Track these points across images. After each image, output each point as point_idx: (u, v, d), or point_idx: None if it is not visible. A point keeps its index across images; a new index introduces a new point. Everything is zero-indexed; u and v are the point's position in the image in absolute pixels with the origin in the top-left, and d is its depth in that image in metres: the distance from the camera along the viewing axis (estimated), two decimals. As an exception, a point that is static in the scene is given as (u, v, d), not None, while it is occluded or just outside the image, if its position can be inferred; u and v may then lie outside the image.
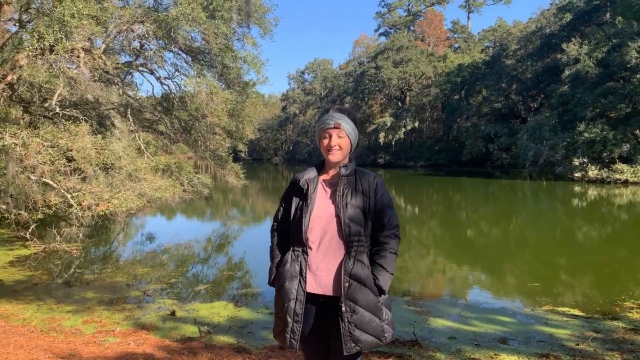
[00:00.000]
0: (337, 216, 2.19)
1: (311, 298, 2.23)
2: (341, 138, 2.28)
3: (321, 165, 2.40)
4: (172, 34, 11.16)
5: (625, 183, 24.85)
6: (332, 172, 2.35)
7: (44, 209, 9.73)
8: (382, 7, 62.47)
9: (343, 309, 2.13)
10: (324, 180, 2.34)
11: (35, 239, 9.86)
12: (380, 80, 47.59)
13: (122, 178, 10.96)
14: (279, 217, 2.42)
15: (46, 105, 11.15)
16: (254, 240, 13.97)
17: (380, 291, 2.20)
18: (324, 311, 2.24)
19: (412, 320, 5.60)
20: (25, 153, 9.05)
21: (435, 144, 48.93)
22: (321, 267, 2.22)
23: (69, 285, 7.79)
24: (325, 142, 2.29)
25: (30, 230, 9.67)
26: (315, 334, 2.28)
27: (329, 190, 2.30)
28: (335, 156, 2.28)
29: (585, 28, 33.63)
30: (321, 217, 2.23)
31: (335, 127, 2.27)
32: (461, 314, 6.06)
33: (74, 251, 9.97)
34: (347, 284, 2.15)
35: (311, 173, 2.34)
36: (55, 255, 9.77)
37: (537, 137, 30.01)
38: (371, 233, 2.26)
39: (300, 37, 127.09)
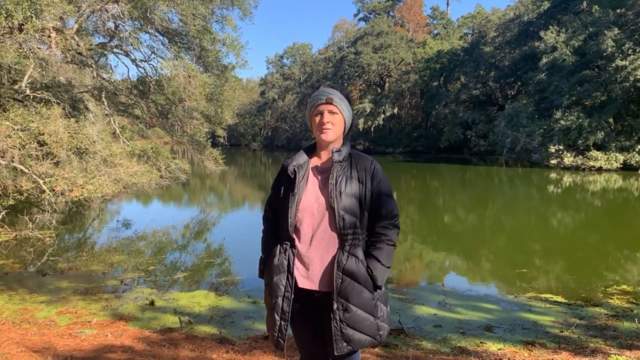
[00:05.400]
0: (331, 207, 2.01)
1: (305, 294, 2.08)
2: (334, 114, 2.09)
3: (312, 149, 2.20)
4: (148, 14, 10.81)
5: (599, 170, 25.33)
6: (325, 156, 2.15)
7: (15, 194, 9.39)
8: (362, -9, 61.93)
9: (334, 306, 1.99)
10: (315, 166, 2.14)
11: (6, 226, 9.51)
12: (360, 65, 47.33)
13: (96, 163, 10.65)
14: (270, 204, 2.25)
15: (16, 87, 10.69)
16: (233, 226, 13.80)
17: (375, 286, 2.06)
18: (319, 307, 2.10)
19: (397, 308, 5.55)
20: (-7, 137, 8.67)
21: (414, 130, 49.08)
22: (314, 262, 2.06)
23: (42, 274, 7.53)
24: (317, 119, 2.10)
25: (0, 216, 9.31)
26: (309, 331, 2.15)
27: (320, 177, 2.11)
28: (329, 135, 2.08)
29: (563, 16, 33.93)
30: (312, 207, 2.06)
31: (327, 102, 2.08)
32: (445, 301, 6.04)
33: (47, 238, 9.66)
34: (339, 280, 2.00)
35: (301, 158, 2.14)
36: (27, 242, 9.44)
37: (514, 125, 30.33)
38: (368, 224, 2.10)
39: (279, 21, 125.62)
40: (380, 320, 2.08)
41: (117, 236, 11.19)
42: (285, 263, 2.07)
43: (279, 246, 2.12)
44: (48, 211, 10.13)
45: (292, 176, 2.09)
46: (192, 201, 20.06)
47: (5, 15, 8.57)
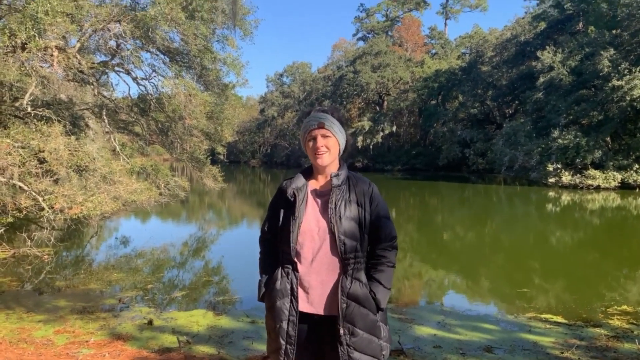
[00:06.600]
0: (331, 232, 2.03)
1: (303, 317, 2.08)
2: (327, 138, 2.11)
3: (309, 171, 2.22)
4: (149, 33, 10.92)
5: (598, 189, 25.38)
6: (322, 180, 2.17)
7: (14, 212, 9.36)
8: (361, 11, 62.72)
9: (341, 332, 2.00)
10: (314, 189, 2.16)
11: (4, 244, 9.48)
12: (359, 84, 47.70)
13: (96, 180, 10.65)
14: (267, 226, 2.25)
15: (17, 104, 10.75)
16: (232, 244, 13.76)
17: (378, 308, 2.08)
18: (318, 330, 2.10)
19: (397, 328, 5.52)
20: (-6, 154, 8.69)
21: (412, 148, 49.32)
22: (314, 285, 2.07)
23: (40, 293, 7.49)
24: (311, 144, 2.12)
25: (-2, 234, 9.29)
26: (310, 355, 2.14)
27: (319, 201, 2.12)
28: (324, 160, 2.10)
29: (559, 37, 34.31)
30: (313, 230, 2.07)
31: (319, 127, 2.10)
32: (445, 321, 6.01)
33: (45, 256, 9.62)
34: (344, 305, 2.01)
35: (299, 181, 2.15)
36: (25, 260, 9.39)
37: (512, 143, 30.45)
38: (368, 246, 2.12)
39: (278, 40, 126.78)
40: (383, 340, 2.09)
41: (115, 254, 11.15)
42: (289, 287, 2.07)
43: (280, 269, 2.12)
44: (47, 228, 10.10)
45: (292, 199, 2.10)
46: (190, 218, 20.02)
47: (9, 34, 8.66)
